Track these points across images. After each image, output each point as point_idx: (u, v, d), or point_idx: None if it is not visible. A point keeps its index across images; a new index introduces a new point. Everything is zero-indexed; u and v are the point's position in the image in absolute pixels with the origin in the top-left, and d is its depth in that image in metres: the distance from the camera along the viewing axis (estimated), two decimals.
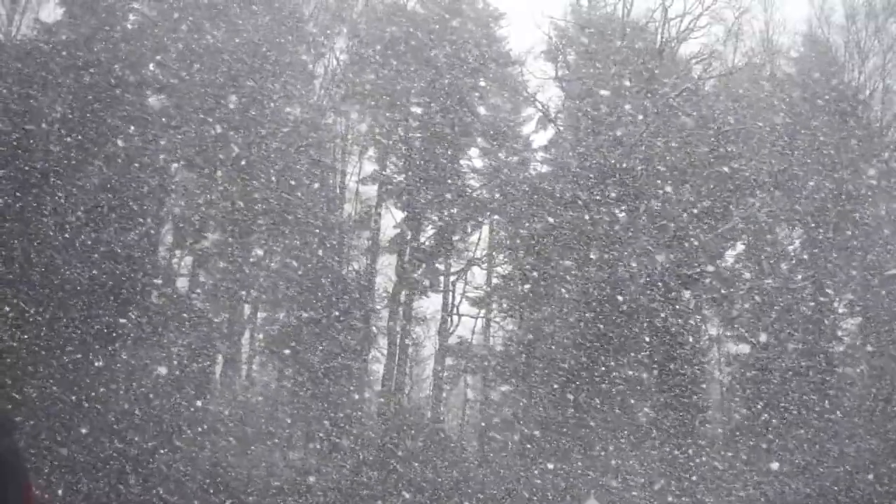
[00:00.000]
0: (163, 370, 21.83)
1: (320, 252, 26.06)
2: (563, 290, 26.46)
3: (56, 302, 20.17)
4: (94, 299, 20.83)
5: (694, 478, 23.02)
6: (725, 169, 26.80)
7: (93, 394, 19.81)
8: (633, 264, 25.17)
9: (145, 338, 21.60)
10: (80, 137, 21.91)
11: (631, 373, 24.67)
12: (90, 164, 22.02)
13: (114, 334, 21.04)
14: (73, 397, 19.48)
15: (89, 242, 21.22)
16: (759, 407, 24.86)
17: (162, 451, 20.25)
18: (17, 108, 21.58)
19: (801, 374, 24.83)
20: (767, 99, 28.79)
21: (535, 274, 26.82)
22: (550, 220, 26.67)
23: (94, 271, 20.96)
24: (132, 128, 23.36)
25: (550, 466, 23.05)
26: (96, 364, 20.32)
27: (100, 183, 22.00)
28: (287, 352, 25.14)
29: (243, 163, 25.26)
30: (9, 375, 18.82)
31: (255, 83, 25.68)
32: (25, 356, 19.35)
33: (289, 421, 24.06)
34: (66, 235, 21.00)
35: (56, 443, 18.75)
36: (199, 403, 22.02)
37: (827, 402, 24.45)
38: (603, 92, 27.62)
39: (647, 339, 25.13)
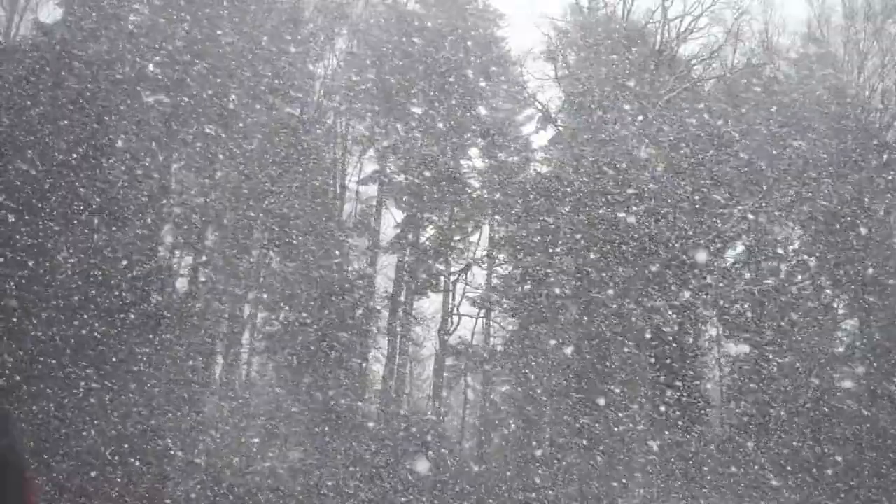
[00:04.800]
0: (162, 370, 21.81)
1: (320, 252, 26.07)
2: (563, 291, 26.45)
3: (55, 302, 20.16)
4: (94, 299, 20.82)
5: (695, 478, 23.03)
6: (724, 169, 26.79)
7: (91, 394, 19.80)
8: (633, 265, 25.17)
9: (145, 338, 21.59)
10: (79, 138, 21.90)
11: (630, 373, 24.67)
12: (90, 164, 22.01)
13: (113, 335, 21.02)
14: (72, 397, 19.48)
15: (89, 242, 21.22)
16: (758, 407, 24.85)
17: (161, 452, 20.24)
18: (15, 108, 21.58)
19: (800, 375, 24.83)
20: (767, 99, 28.81)
21: (534, 274, 26.81)
22: (550, 220, 26.67)
23: (94, 271, 20.96)
24: (132, 127, 23.37)
25: (550, 466, 23.06)
26: (95, 364, 20.30)
27: (99, 183, 22.00)
28: (287, 352, 25.15)
29: (243, 163, 25.26)
30: (6, 375, 18.82)
31: (255, 83, 25.69)
32: (23, 356, 19.34)
33: (288, 421, 24.06)
34: (66, 235, 20.99)
35: (53, 443, 18.74)
36: (198, 403, 22.02)
37: (827, 402, 24.45)
38: (603, 92, 27.62)
39: (647, 339, 25.13)
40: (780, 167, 26.73)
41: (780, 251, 27.93)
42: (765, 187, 26.65)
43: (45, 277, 20.11)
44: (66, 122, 21.80)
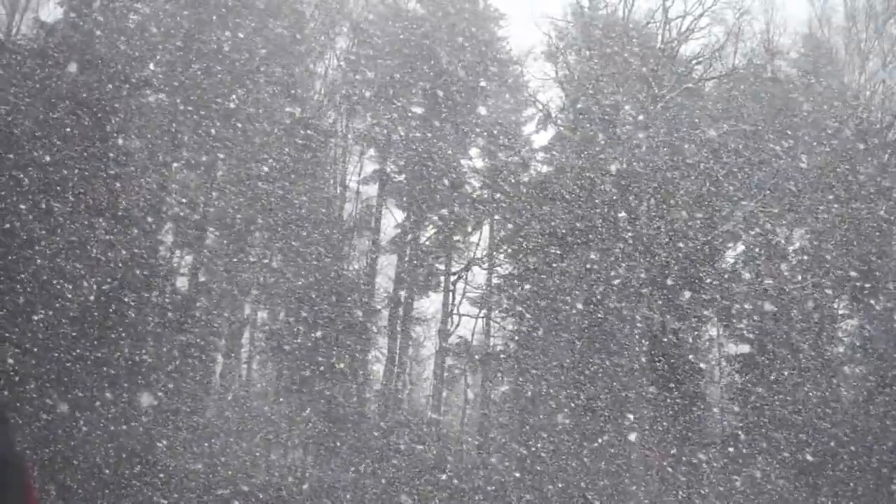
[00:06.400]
0: (162, 370, 21.79)
1: (321, 252, 26.04)
2: (562, 291, 26.42)
3: (55, 302, 20.12)
4: (94, 299, 20.78)
5: (695, 478, 23.01)
6: (726, 169, 26.77)
7: (91, 393, 19.77)
8: (633, 264, 25.14)
9: (145, 338, 21.56)
10: (79, 137, 21.86)
11: (631, 373, 24.64)
12: (90, 164, 21.97)
13: (113, 334, 20.99)
14: (71, 397, 19.44)
15: (88, 242, 21.18)
16: (758, 407, 24.83)
17: (161, 451, 20.21)
18: (16, 107, 21.54)
19: (800, 375, 24.80)
20: (767, 99, 28.78)
21: (535, 274, 26.79)
22: (550, 220, 26.64)
23: (93, 271, 20.92)
24: (132, 127, 23.33)
25: (550, 466, 23.03)
26: (96, 363, 20.27)
27: (99, 183, 21.95)
28: (286, 352, 25.13)
29: (244, 162, 25.23)
30: (6, 375, 18.78)
31: (255, 82, 25.66)
32: (23, 356, 19.30)
33: (288, 421, 24.04)
34: (66, 235, 20.94)
35: (53, 442, 18.71)
36: (198, 403, 21.98)
37: (826, 402, 24.43)
38: (603, 92, 27.60)
39: (647, 339, 25.11)
40: (780, 167, 26.69)
41: (780, 251, 27.91)
42: (765, 188, 26.62)
43: (43, 278, 20.04)
44: (65, 121, 21.75)
